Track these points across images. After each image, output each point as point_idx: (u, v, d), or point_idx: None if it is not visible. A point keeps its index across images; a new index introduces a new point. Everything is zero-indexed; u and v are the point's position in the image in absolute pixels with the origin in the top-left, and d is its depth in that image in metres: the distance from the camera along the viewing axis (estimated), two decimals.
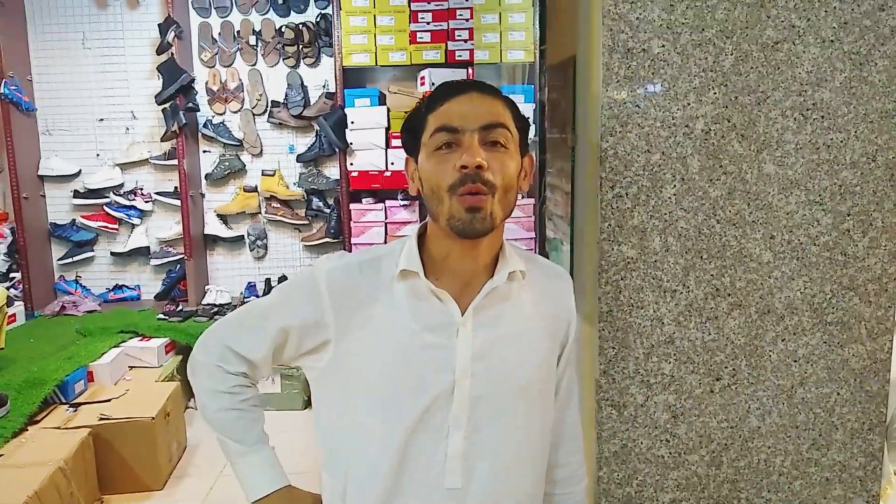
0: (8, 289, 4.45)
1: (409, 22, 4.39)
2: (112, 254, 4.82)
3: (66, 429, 3.11)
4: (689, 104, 1.28)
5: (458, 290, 1.04)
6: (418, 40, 4.41)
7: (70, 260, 4.78)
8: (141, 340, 4.04)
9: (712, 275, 1.31)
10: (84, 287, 4.81)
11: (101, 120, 4.75)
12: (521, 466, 1.07)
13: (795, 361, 1.34)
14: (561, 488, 1.20)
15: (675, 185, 1.29)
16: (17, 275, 4.60)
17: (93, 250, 4.82)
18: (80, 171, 4.76)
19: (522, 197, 4.04)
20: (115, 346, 3.90)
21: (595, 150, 1.31)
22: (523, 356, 1.06)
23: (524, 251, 1.16)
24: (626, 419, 1.35)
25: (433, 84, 4.16)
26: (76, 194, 4.75)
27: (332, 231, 4.68)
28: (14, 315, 4.32)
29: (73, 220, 4.78)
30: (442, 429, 1.01)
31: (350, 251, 4.32)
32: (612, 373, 1.33)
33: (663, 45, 1.26)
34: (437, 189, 0.99)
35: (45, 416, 3.22)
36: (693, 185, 1.29)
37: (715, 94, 1.28)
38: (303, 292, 1.07)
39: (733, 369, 1.33)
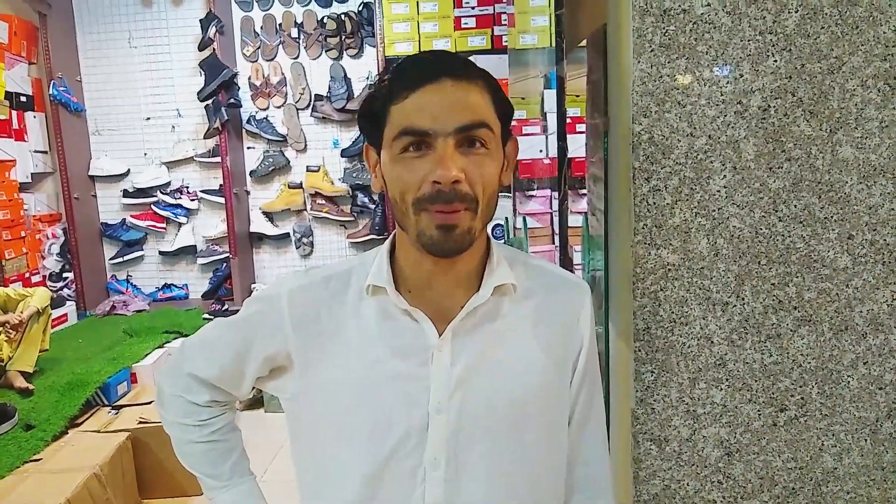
0: (61, 289, 4.51)
1: (454, 7, 4.21)
2: (160, 253, 4.84)
3: (106, 432, 3.08)
4: (742, 76, 1.04)
5: (437, 307, 0.88)
6: (463, 26, 4.22)
7: (121, 259, 4.82)
8: None
9: (773, 284, 1.07)
10: (135, 286, 4.84)
11: (148, 119, 4.75)
12: None
13: (881, 389, 1.09)
14: None
15: (725, 176, 1.06)
16: (70, 274, 4.65)
17: (142, 249, 4.85)
18: (129, 170, 4.78)
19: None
20: (158, 347, 3.88)
21: (626, 134, 1.09)
22: (516, 385, 0.88)
23: (524, 255, 0.97)
24: (668, 456, 1.13)
25: None
26: (125, 194, 4.77)
27: (377, 227, 4.55)
28: (66, 315, 4.36)
29: (124, 219, 4.81)
30: (416, 473, 0.85)
31: None
32: (651, 401, 1.11)
33: (709, 3, 1.03)
34: (401, 200, 0.82)
35: (86, 419, 3.20)
36: (748, 175, 1.05)
37: (775, 61, 1.04)
38: (264, 315, 0.93)
39: (802, 398, 1.10)
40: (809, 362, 1.09)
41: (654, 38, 1.05)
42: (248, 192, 4.77)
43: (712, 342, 1.09)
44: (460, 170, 0.78)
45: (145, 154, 4.78)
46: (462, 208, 0.80)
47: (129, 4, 4.66)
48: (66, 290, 4.61)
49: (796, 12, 1.03)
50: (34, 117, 4.46)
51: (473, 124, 0.80)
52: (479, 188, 0.81)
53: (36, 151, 4.48)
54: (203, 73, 4.45)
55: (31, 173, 4.43)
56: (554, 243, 3.76)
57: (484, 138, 0.82)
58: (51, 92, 4.43)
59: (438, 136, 0.79)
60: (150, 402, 3.36)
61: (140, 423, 3.14)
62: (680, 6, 1.04)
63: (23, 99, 4.37)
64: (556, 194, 3.61)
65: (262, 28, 4.62)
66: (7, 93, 4.19)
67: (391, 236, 0.94)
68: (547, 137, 3.55)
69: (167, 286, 4.84)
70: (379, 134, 0.84)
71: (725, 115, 1.05)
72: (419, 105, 0.80)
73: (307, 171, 4.65)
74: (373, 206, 4.61)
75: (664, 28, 1.04)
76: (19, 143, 4.30)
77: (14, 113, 4.26)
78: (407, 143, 0.80)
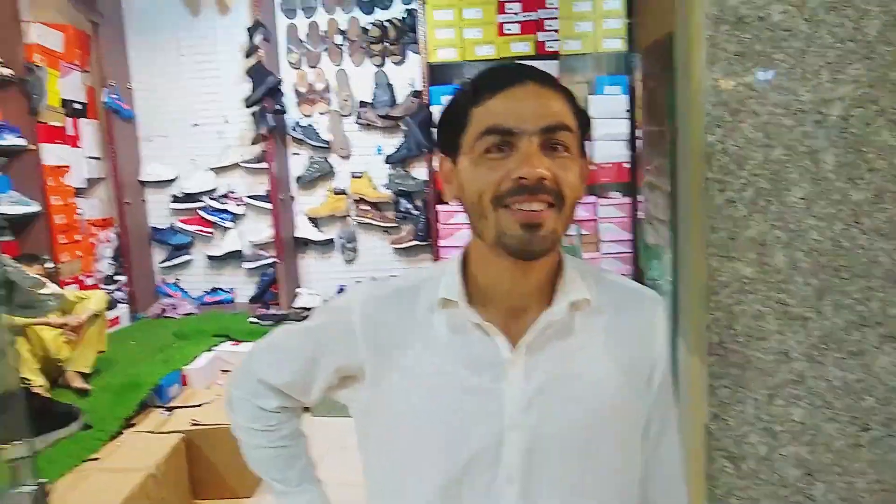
0: (113, 291, 4.61)
1: (497, 13, 4.18)
2: (208, 257, 4.91)
3: (160, 433, 3.14)
4: (821, 84, 1.01)
5: (508, 321, 0.87)
6: (506, 32, 4.19)
7: (169, 263, 4.91)
8: (233, 345, 4.07)
9: (855, 298, 1.04)
10: (183, 290, 4.93)
11: (196, 125, 4.83)
12: None
13: None
14: None
15: (803, 187, 1.03)
16: (123, 278, 4.76)
17: (190, 253, 4.93)
18: (178, 176, 4.87)
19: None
20: (207, 350, 3.94)
21: (699, 145, 1.07)
22: (590, 403, 0.87)
23: (595, 269, 0.96)
24: (745, 474, 1.10)
25: None
26: (174, 199, 4.86)
27: (421, 234, 4.56)
28: (118, 317, 4.46)
29: (172, 224, 4.90)
30: (491, 488, 0.85)
31: (437, 253, 4.22)
32: (726, 417, 1.09)
33: (786, 10, 1.01)
34: (478, 201, 0.81)
35: (140, 420, 3.27)
36: (828, 187, 1.03)
37: (856, 69, 1.01)
38: (335, 325, 0.94)
39: (887, 417, 1.06)
40: (895, 380, 1.05)
41: (729, 47, 1.03)
42: (292, 198, 4.82)
43: (790, 358, 1.06)
44: (546, 168, 0.78)
45: (193, 160, 4.86)
46: (548, 202, 0.79)
47: (178, 14, 4.75)
48: (118, 293, 4.71)
49: (878, 18, 1.00)
50: (88, 124, 4.57)
51: (559, 126, 0.80)
52: (567, 189, 0.80)
53: (90, 157, 4.59)
54: (250, 80, 4.52)
55: (86, 178, 4.54)
56: (598, 251, 3.72)
57: (567, 143, 0.81)
58: (103, 99, 4.53)
59: (524, 136, 0.79)
60: (201, 405, 3.41)
61: (193, 424, 3.19)
62: (756, 14, 1.01)
63: (77, 106, 4.48)
64: (601, 201, 3.59)
65: (306, 35, 4.67)
66: (63, 100, 4.30)
67: (463, 249, 0.93)
68: (593, 144, 3.52)
69: (214, 290, 4.92)
70: (458, 139, 0.84)
71: (804, 125, 1.03)
72: (504, 105, 0.80)
73: (352, 177, 4.69)
74: (416, 213, 4.62)
75: (739, 36, 1.02)
76: (74, 149, 4.42)
77: (69, 120, 4.38)
78: (490, 142, 0.80)
